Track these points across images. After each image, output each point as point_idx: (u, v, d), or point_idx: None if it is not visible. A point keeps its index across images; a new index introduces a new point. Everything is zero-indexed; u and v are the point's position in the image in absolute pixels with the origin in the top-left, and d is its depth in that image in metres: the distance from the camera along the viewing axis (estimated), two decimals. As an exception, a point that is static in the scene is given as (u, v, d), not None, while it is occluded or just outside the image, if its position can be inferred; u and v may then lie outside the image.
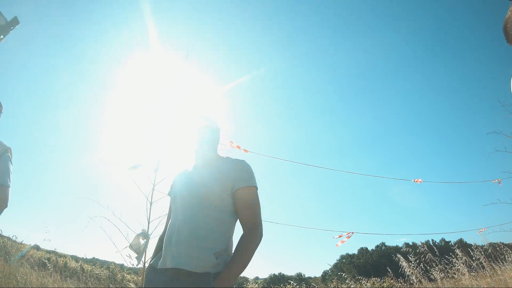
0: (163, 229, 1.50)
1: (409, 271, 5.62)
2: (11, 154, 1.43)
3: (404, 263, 5.72)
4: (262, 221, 1.26)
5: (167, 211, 1.52)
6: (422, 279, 5.55)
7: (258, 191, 1.29)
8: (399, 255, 5.87)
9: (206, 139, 1.43)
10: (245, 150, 4.47)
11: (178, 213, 1.27)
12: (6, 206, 1.36)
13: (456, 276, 5.44)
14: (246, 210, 1.23)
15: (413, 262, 5.72)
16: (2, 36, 1.15)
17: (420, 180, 5.41)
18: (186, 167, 1.47)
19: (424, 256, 5.76)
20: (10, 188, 1.37)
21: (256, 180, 1.29)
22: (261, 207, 1.27)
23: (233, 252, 1.21)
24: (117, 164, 3.18)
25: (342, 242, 4.69)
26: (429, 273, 5.62)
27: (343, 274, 7.94)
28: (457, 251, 5.54)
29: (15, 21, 1.18)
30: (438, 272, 5.50)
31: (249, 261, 1.15)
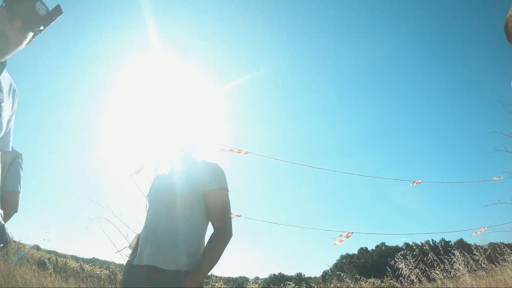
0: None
1: (408, 272, 5.62)
2: (21, 160, 1.47)
3: (401, 265, 5.72)
4: (232, 222, 1.34)
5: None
6: (422, 279, 5.56)
7: (228, 193, 1.36)
8: (396, 257, 5.87)
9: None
10: (245, 152, 4.47)
11: (154, 213, 1.35)
12: (16, 211, 1.42)
13: (456, 275, 5.44)
14: (216, 211, 1.30)
15: (411, 262, 5.72)
16: (42, 27, 1.06)
17: (419, 181, 5.41)
18: (164, 169, 1.53)
19: (423, 257, 5.76)
20: (20, 194, 1.43)
21: (228, 183, 1.37)
22: (231, 208, 1.35)
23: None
24: (117, 164, 3.19)
25: (341, 241, 4.70)
26: (429, 273, 5.62)
27: (343, 274, 7.94)
28: (456, 251, 5.55)
29: (58, 11, 1.06)
30: (438, 272, 5.50)
31: (218, 260, 1.22)
